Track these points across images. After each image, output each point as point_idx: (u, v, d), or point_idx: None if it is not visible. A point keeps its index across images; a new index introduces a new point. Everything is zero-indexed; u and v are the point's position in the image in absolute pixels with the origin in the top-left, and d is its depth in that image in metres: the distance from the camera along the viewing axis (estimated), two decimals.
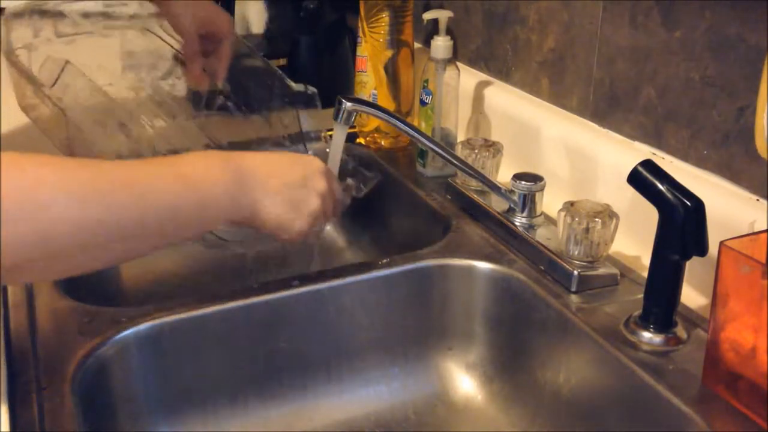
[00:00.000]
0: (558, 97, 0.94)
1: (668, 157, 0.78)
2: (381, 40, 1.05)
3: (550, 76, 0.95)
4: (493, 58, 1.06)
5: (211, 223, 0.64)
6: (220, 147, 1.02)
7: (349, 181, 0.82)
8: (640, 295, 0.67)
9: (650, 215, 0.63)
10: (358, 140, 1.11)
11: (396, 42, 1.06)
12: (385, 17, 1.04)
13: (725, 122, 0.71)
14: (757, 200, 0.69)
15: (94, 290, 0.83)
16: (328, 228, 1.09)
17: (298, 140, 1.03)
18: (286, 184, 0.66)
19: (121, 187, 0.54)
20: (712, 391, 0.60)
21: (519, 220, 0.82)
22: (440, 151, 0.82)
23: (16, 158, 0.49)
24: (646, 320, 0.66)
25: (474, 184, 0.90)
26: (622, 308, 0.70)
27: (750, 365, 0.57)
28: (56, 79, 0.93)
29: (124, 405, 0.70)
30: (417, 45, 1.13)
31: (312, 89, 0.96)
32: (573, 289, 0.73)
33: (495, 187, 0.83)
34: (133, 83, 1.06)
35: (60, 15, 1.02)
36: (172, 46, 1.06)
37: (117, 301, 0.95)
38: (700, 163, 0.75)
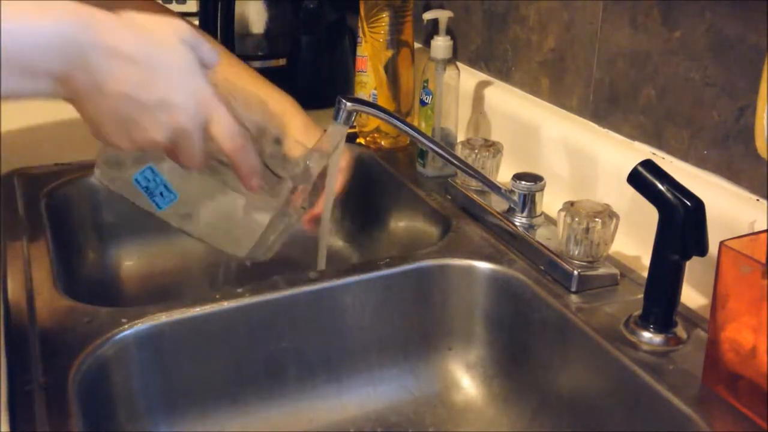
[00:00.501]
0: (558, 97, 0.94)
1: (668, 157, 0.78)
2: (381, 40, 1.05)
3: (550, 76, 0.95)
4: (493, 58, 1.06)
5: (20, 85, 0.48)
6: None
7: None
8: (640, 295, 0.67)
9: (650, 215, 0.63)
10: (358, 140, 1.11)
11: (396, 42, 1.06)
12: (385, 17, 1.04)
13: (725, 122, 0.71)
14: (757, 200, 0.69)
15: (94, 290, 0.84)
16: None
17: None
18: (127, 96, 0.50)
19: None
20: (712, 391, 0.60)
21: (519, 220, 0.82)
22: (440, 151, 0.82)
23: None
24: (646, 320, 0.66)
25: (474, 184, 0.90)
26: (622, 308, 0.70)
27: (750, 365, 0.57)
28: None
29: (124, 405, 0.70)
30: (417, 45, 1.13)
31: None
32: (573, 289, 0.73)
33: (495, 187, 0.83)
34: None
35: None
36: None
37: (117, 301, 0.95)
38: (700, 163, 0.75)
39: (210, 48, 0.56)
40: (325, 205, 0.83)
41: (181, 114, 0.52)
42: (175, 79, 0.52)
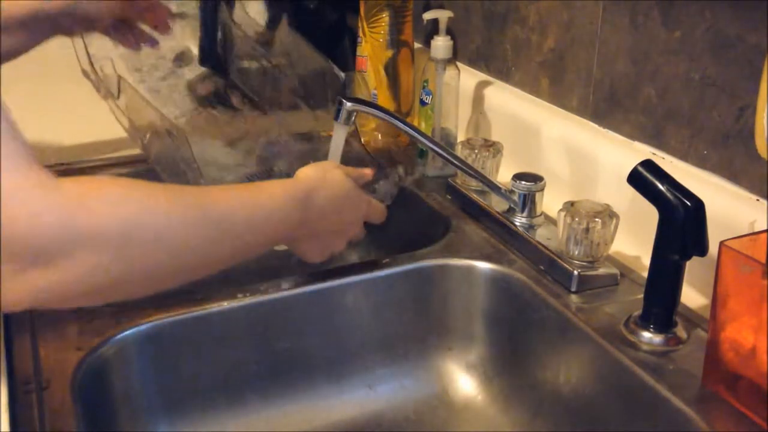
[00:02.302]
0: (558, 97, 0.94)
1: (668, 157, 0.78)
2: (381, 40, 1.05)
3: (550, 76, 0.95)
4: (493, 58, 1.06)
5: (264, 247, 0.68)
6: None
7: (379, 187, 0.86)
8: (640, 295, 0.67)
9: (650, 215, 0.63)
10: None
11: (396, 42, 1.06)
12: (385, 17, 1.04)
13: (725, 122, 0.71)
14: (757, 200, 0.69)
15: None
16: None
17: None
18: (328, 230, 0.73)
19: (212, 216, 0.59)
20: (712, 391, 0.60)
21: (519, 220, 0.82)
22: (440, 151, 0.82)
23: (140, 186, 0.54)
24: (646, 320, 0.66)
25: (474, 184, 0.90)
26: (622, 308, 0.70)
27: (750, 365, 0.57)
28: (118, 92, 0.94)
29: (124, 405, 0.70)
30: (417, 45, 1.13)
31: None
32: (573, 289, 0.73)
33: (495, 187, 0.83)
34: (136, 83, 1.06)
35: None
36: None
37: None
38: (700, 163, 0.75)
39: (354, 169, 0.78)
40: None
41: (356, 228, 0.76)
42: (351, 207, 0.74)
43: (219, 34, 1.17)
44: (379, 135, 1.10)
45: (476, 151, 0.89)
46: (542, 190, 0.82)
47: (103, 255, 0.49)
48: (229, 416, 0.75)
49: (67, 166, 0.99)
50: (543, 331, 0.74)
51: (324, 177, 0.71)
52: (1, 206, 0.45)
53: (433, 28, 0.99)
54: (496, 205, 0.86)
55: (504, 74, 1.04)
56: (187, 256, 0.56)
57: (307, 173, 0.71)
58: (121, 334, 0.68)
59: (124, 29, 0.96)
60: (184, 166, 0.85)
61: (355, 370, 0.80)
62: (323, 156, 0.83)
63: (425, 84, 1.00)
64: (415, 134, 0.81)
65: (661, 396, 0.60)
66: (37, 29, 0.88)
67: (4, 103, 0.49)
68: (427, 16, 0.98)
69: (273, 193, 0.66)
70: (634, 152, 0.80)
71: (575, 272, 0.73)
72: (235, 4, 1.19)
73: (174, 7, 1.05)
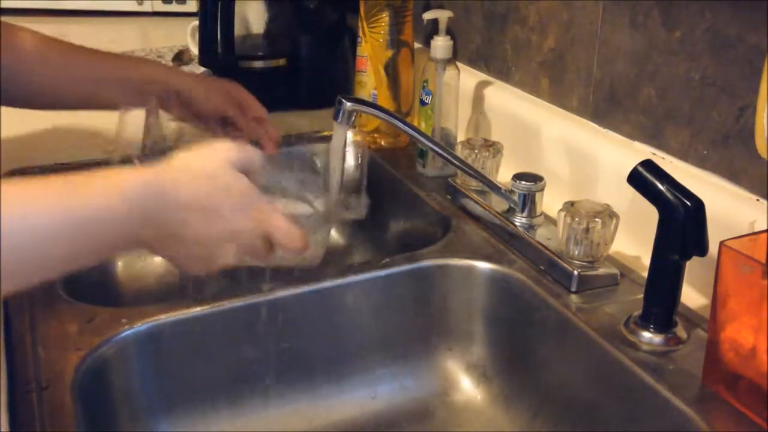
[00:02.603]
0: (558, 97, 0.94)
1: (668, 157, 0.78)
2: (381, 40, 1.05)
3: (550, 76, 0.95)
4: (493, 58, 1.06)
5: (95, 256, 0.56)
6: None
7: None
8: (640, 295, 0.67)
9: (650, 215, 0.63)
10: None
11: (396, 42, 1.06)
12: (385, 17, 1.04)
13: (725, 122, 0.71)
14: (757, 200, 0.69)
15: (94, 290, 0.84)
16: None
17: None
18: (197, 241, 0.57)
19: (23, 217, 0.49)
20: (712, 391, 0.60)
21: (519, 220, 0.82)
22: (440, 151, 0.82)
23: None
24: (646, 320, 0.66)
25: (474, 184, 0.90)
26: (622, 308, 0.70)
27: (750, 365, 0.57)
28: None
29: (124, 405, 0.70)
30: (417, 45, 1.13)
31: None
32: (573, 289, 0.73)
33: (495, 187, 0.83)
34: None
35: None
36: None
37: (117, 301, 0.95)
38: (700, 163, 0.75)
39: (253, 153, 0.62)
40: (327, 202, 0.83)
41: (245, 237, 0.59)
42: (235, 208, 0.58)
43: (219, 35, 1.17)
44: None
45: (476, 151, 0.89)
46: (542, 190, 0.82)
47: None
48: (229, 416, 0.75)
49: (66, 165, 0.99)
50: (543, 331, 0.74)
51: (193, 162, 0.58)
52: None
53: (433, 28, 0.99)
54: (496, 205, 0.86)
55: (504, 74, 1.04)
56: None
57: (177, 162, 0.58)
58: (121, 334, 0.68)
59: (229, 129, 0.92)
60: None
61: (355, 370, 0.80)
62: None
63: (425, 84, 1.00)
64: (415, 134, 0.81)
65: (661, 396, 0.60)
66: (140, 94, 0.87)
67: None
68: (427, 16, 0.98)
69: (98, 192, 0.53)
70: (634, 152, 0.80)
71: (575, 272, 0.73)
72: (235, 4, 1.19)
73: (174, 7, 1.05)
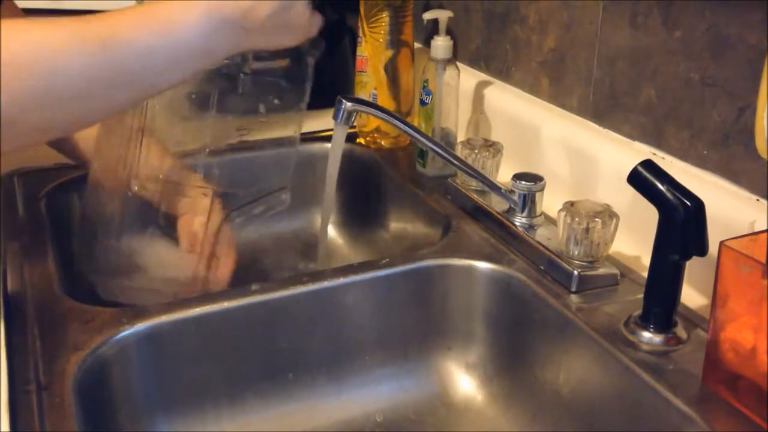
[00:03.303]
0: (558, 97, 0.94)
1: (668, 157, 0.78)
2: (381, 40, 1.05)
3: (550, 76, 0.95)
4: (493, 58, 1.06)
5: (187, 64, 0.65)
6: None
7: None
8: (640, 295, 0.67)
9: (650, 215, 0.63)
10: (358, 140, 1.11)
11: (396, 42, 1.06)
12: (385, 17, 1.04)
13: (725, 122, 0.71)
14: (757, 200, 0.69)
15: (94, 290, 0.84)
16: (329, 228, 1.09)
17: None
18: (266, 19, 0.68)
19: (103, 40, 0.58)
20: (712, 391, 0.60)
21: (519, 220, 0.82)
22: (440, 151, 0.82)
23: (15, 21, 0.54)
24: (646, 320, 0.66)
25: (474, 184, 0.90)
26: (622, 308, 0.70)
27: (750, 365, 0.57)
28: None
29: (124, 405, 0.70)
30: (417, 45, 1.13)
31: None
32: (573, 289, 0.73)
33: (495, 187, 0.83)
34: None
35: None
36: None
37: (117, 301, 0.95)
38: (700, 163, 0.75)
39: None
40: (324, 205, 0.83)
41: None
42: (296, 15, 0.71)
43: None
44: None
45: (476, 151, 0.89)
46: (542, 190, 0.82)
47: None
48: (229, 416, 0.75)
49: (66, 165, 0.99)
50: (543, 331, 0.74)
51: None
52: None
53: (433, 28, 0.99)
54: (496, 205, 0.86)
55: (504, 74, 1.04)
56: (90, 89, 0.58)
57: None
58: (121, 334, 0.68)
59: None
60: None
61: (355, 370, 0.80)
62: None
63: (425, 84, 1.00)
64: (415, 134, 0.81)
65: (661, 396, 0.60)
66: None
67: None
68: (427, 16, 0.98)
69: (170, 6, 0.63)
70: (634, 152, 0.80)
71: (575, 272, 0.73)
72: None
73: None
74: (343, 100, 0.77)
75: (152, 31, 0.61)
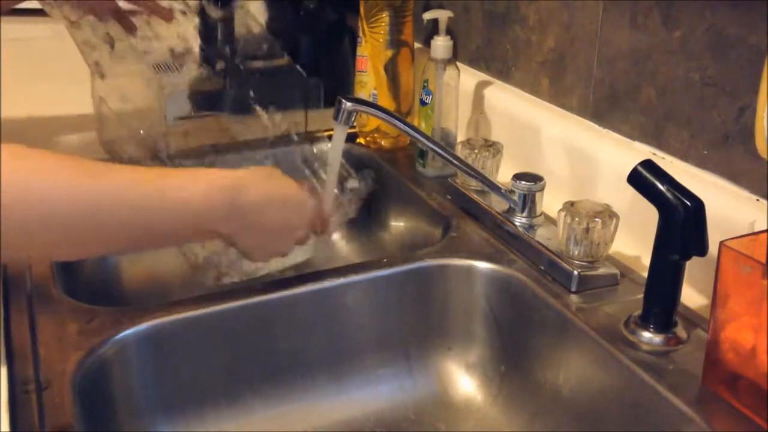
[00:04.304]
0: (558, 97, 0.94)
1: (668, 157, 0.78)
2: (381, 40, 1.05)
3: (550, 76, 0.95)
4: (493, 58, 1.06)
5: (176, 239, 0.70)
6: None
7: (343, 197, 0.82)
8: (640, 295, 0.67)
9: (650, 215, 0.63)
10: (358, 140, 1.11)
11: (396, 42, 1.06)
12: (385, 17, 1.04)
13: (725, 122, 0.71)
14: (757, 200, 0.69)
15: (94, 290, 0.84)
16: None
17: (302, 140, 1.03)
18: (270, 230, 0.70)
19: (119, 202, 0.58)
20: (712, 391, 0.60)
21: (519, 220, 0.82)
22: (440, 151, 0.82)
23: (23, 150, 0.54)
24: (646, 320, 0.66)
25: (474, 184, 0.90)
26: (622, 308, 0.70)
27: (750, 365, 0.57)
28: None
29: (124, 405, 0.70)
30: (417, 45, 1.13)
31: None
32: (573, 289, 0.73)
33: (495, 187, 0.83)
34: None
35: None
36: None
37: (117, 301, 0.95)
38: (700, 163, 0.75)
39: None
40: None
41: (301, 231, 0.73)
42: (295, 207, 0.71)
43: (220, 35, 1.16)
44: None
45: (476, 151, 0.89)
46: (542, 190, 0.82)
47: None
48: (229, 416, 0.75)
49: None
50: (543, 331, 0.74)
51: (263, 173, 0.70)
52: None
53: (433, 28, 0.99)
54: (496, 205, 0.86)
55: (504, 74, 1.04)
56: (77, 232, 0.57)
57: (243, 170, 0.69)
58: (121, 334, 0.68)
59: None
60: None
61: (354, 370, 0.80)
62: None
63: (425, 84, 1.00)
64: (415, 134, 0.81)
65: (661, 396, 0.60)
66: None
67: None
68: (427, 16, 0.98)
69: (187, 183, 0.63)
70: (634, 152, 0.80)
71: (575, 272, 0.73)
72: (236, 4, 1.19)
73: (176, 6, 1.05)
74: (343, 100, 0.77)
75: (173, 208, 0.62)
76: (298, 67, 1.03)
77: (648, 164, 0.63)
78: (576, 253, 0.74)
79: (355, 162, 1.02)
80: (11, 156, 0.53)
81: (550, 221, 0.82)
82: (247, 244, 0.70)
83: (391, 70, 1.06)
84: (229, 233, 0.67)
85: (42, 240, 0.56)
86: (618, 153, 0.82)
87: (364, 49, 1.07)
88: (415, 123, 1.05)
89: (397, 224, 1.03)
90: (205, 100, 1.13)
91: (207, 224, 0.64)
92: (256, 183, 0.67)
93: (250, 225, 0.67)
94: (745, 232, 0.61)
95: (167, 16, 1.03)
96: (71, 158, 0.57)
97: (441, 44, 0.98)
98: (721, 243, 0.57)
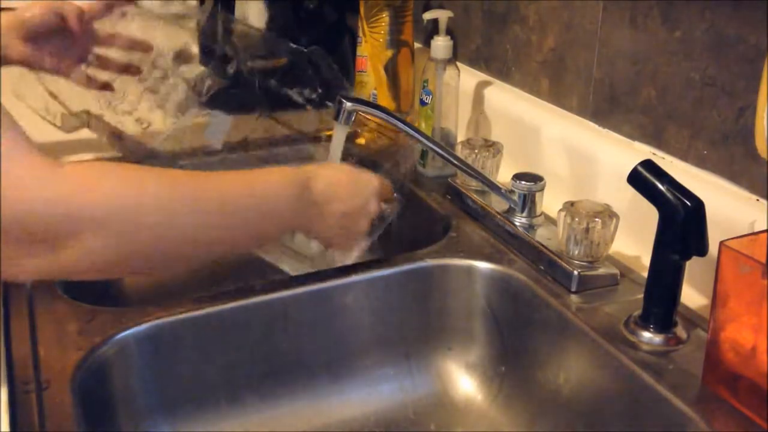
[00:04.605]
0: (558, 97, 0.94)
1: (668, 157, 0.78)
2: (381, 40, 1.05)
3: (550, 76, 0.95)
4: (493, 58, 1.06)
5: (271, 234, 0.71)
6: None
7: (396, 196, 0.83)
8: (640, 295, 0.67)
9: (650, 215, 0.63)
10: (358, 140, 1.11)
11: (396, 42, 1.06)
12: (385, 17, 1.04)
13: (725, 122, 0.71)
14: (757, 200, 0.69)
15: (94, 290, 0.84)
16: None
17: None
18: (343, 213, 0.72)
19: (208, 201, 0.61)
20: (712, 391, 0.60)
21: (519, 220, 0.82)
22: (440, 151, 0.82)
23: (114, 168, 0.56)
24: (646, 320, 0.66)
25: (474, 184, 0.90)
26: (622, 308, 0.70)
27: (750, 365, 0.57)
28: None
29: (124, 405, 0.70)
30: (417, 45, 1.13)
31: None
32: (573, 289, 0.73)
33: (495, 187, 0.83)
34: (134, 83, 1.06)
35: None
36: None
37: (117, 301, 0.95)
38: (700, 163, 0.75)
39: None
40: None
41: (372, 205, 0.75)
42: (360, 186, 0.74)
43: (220, 34, 1.16)
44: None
45: (476, 151, 0.89)
46: (542, 190, 0.82)
47: (106, 237, 0.52)
48: (229, 416, 0.75)
49: None
50: (543, 331, 0.73)
51: (323, 165, 0.74)
52: (1, 191, 0.46)
53: (433, 28, 0.99)
54: (496, 205, 0.86)
55: (504, 74, 1.04)
56: (186, 238, 0.59)
57: (308, 165, 0.73)
58: (121, 334, 0.68)
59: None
60: None
61: (355, 370, 0.80)
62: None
63: (425, 84, 1.00)
64: (415, 134, 0.81)
65: (661, 396, 0.60)
66: None
67: None
68: (427, 16, 0.98)
69: (270, 177, 0.68)
70: (634, 152, 0.80)
71: (575, 272, 0.73)
72: (236, 4, 1.19)
73: (174, 7, 1.05)
74: (343, 100, 0.77)
75: (252, 198, 0.65)
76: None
77: (648, 164, 0.63)
78: (576, 253, 0.74)
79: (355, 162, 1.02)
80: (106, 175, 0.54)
81: (550, 221, 0.82)
82: (326, 233, 0.73)
83: (391, 70, 1.06)
84: (306, 224, 0.70)
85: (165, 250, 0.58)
86: (618, 153, 0.82)
87: (364, 49, 1.07)
88: (415, 123, 1.05)
89: (397, 224, 1.03)
90: (204, 102, 1.12)
91: (287, 218, 0.68)
92: (320, 173, 0.71)
93: (323, 213, 0.70)
94: (745, 232, 0.61)
95: (136, 72, 1.01)
96: (153, 169, 0.59)
97: (441, 44, 0.98)
98: (721, 243, 0.57)
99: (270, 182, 0.67)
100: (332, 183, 0.71)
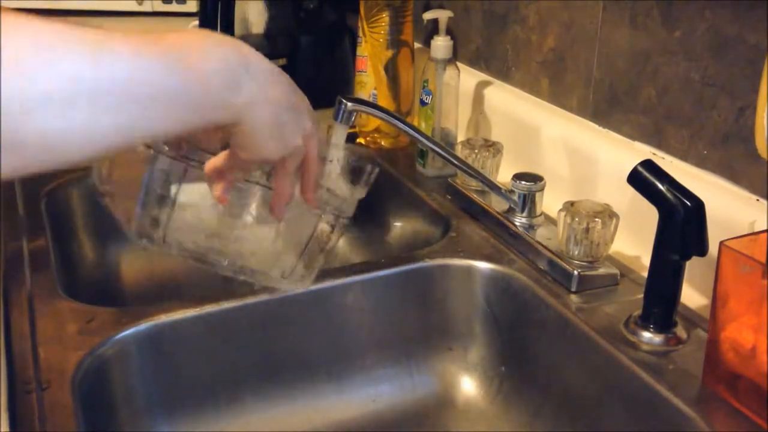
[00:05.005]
0: (558, 97, 0.94)
1: (668, 157, 0.78)
2: (381, 40, 1.05)
3: (550, 76, 0.95)
4: (493, 58, 1.06)
5: (197, 112, 0.53)
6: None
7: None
8: (640, 295, 0.67)
9: (650, 215, 0.63)
10: (358, 140, 1.11)
11: (396, 42, 1.06)
12: (385, 17, 1.04)
13: (725, 122, 0.71)
14: (757, 200, 0.69)
15: (94, 290, 0.84)
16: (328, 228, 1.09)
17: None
18: (281, 102, 0.57)
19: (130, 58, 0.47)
20: (712, 391, 0.60)
21: (519, 220, 0.82)
22: (440, 151, 0.82)
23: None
24: (646, 320, 0.66)
25: (474, 184, 0.90)
26: (622, 308, 0.70)
27: (750, 365, 0.57)
28: None
29: (124, 405, 0.70)
30: (417, 45, 1.13)
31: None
32: (573, 289, 0.73)
33: (495, 187, 0.83)
34: None
35: None
36: None
37: (117, 301, 0.95)
38: (700, 163, 0.75)
39: None
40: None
41: (307, 120, 0.60)
42: (301, 98, 0.60)
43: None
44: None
45: (476, 151, 0.89)
46: (542, 190, 0.82)
47: None
48: (229, 416, 0.75)
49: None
50: (543, 331, 0.74)
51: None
52: None
53: (433, 28, 0.99)
54: (496, 205, 0.86)
55: (504, 74, 1.04)
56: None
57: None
58: (121, 334, 0.68)
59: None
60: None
61: (355, 370, 0.80)
62: None
63: (425, 84, 1.00)
64: (415, 134, 0.81)
65: (661, 396, 0.60)
66: None
67: None
68: (427, 16, 0.98)
69: (187, 33, 0.52)
70: (634, 152, 0.80)
71: (575, 272, 0.73)
72: (235, 4, 1.19)
73: (174, 7, 1.05)
74: (343, 100, 0.77)
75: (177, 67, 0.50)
76: None
77: (648, 164, 0.63)
78: (576, 253, 0.74)
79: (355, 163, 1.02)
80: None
81: (550, 221, 0.82)
82: (260, 121, 0.56)
83: (391, 70, 1.06)
84: (245, 104, 0.54)
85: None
86: (618, 153, 0.82)
87: (364, 49, 1.07)
88: (415, 123, 1.05)
89: (397, 224, 1.03)
90: None
91: (224, 92, 0.53)
92: (261, 57, 0.56)
93: (263, 97, 0.56)
94: (745, 232, 0.61)
95: None
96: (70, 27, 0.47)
97: (441, 44, 0.98)
98: (721, 243, 0.57)
99: (190, 39, 0.51)
100: (272, 71, 0.57)
